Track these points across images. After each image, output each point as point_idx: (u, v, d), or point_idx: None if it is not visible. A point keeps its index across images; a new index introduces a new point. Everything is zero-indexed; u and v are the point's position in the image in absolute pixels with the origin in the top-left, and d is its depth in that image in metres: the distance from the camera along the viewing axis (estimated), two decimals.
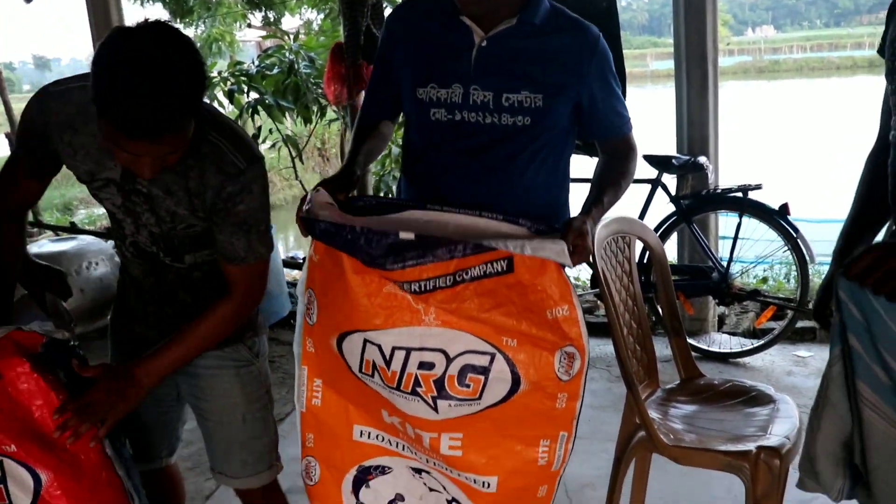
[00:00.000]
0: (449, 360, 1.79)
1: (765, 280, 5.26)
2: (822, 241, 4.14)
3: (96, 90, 1.45)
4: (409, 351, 1.80)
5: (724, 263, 4.05)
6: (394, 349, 1.81)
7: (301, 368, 2.01)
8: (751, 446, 2.04)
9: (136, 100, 1.42)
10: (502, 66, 1.96)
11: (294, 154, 5.69)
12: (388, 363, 1.82)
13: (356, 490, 2.08)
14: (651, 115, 7.30)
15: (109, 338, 2.08)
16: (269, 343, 4.68)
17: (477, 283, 1.76)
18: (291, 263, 5.88)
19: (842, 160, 6.76)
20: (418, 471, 2.01)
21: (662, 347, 2.68)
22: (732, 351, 4.11)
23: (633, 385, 2.12)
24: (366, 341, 1.84)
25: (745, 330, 4.45)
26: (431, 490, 2.01)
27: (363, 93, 4.72)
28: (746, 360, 4.04)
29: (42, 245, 5.10)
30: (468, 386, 1.80)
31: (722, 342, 4.24)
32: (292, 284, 5.44)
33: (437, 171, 2.09)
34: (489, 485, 1.89)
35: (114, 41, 1.47)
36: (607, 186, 2.01)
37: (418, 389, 1.81)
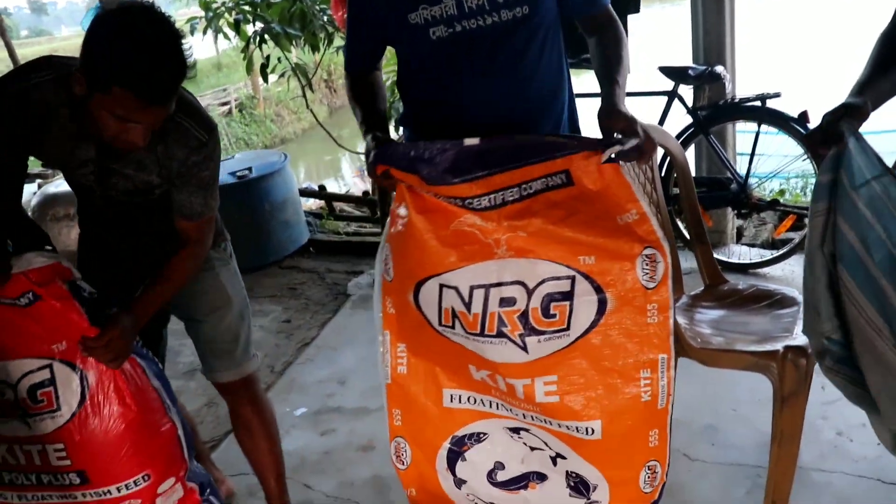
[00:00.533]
0: (529, 291, 1.74)
1: (782, 193, 5.22)
2: None
3: (110, 65, 1.58)
4: (487, 288, 1.76)
5: (743, 175, 4.01)
6: (471, 289, 1.77)
7: (384, 333, 1.98)
8: (778, 346, 2.05)
9: (160, 69, 1.62)
10: None
11: (304, 83, 5.62)
12: (468, 306, 1.78)
13: (451, 466, 2.04)
14: (660, 35, 7.16)
15: None
16: (290, 271, 4.78)
17: (543, 195, 1.71)
18: (307, 192, 5.88)
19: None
20: (516, 430, 1.96)
21: (683, 261, 2.68)
22: (752, 262, 4.09)
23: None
24: (442, 286, 1.80)
25: (764, 241, 4.43)
26: (533, 449, 1.97)
27: None
28: (766, 270, 4.03)
29: (58, 185, 5.10)
30: (554, 316, 1.74)
31: (741, 253, 4.23)
32: (309, 213, 5.46)
33: (450, 88, 2.01)
34: (593, 431, 1.82)
35: (114, 22, 1.62)
36: (615, 65, 1.93)
37: (504, 330, 1.76)
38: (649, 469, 1.91)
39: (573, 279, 1.72)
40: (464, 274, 1.77)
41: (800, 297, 2.34)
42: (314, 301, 4.19)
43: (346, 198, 6.20)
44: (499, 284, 1.75)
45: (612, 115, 1.74)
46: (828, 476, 2.40)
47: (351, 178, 10.80)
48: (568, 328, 1.75)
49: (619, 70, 1.92)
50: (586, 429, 1.82)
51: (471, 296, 1.77)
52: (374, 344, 3.51)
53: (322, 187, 6.14)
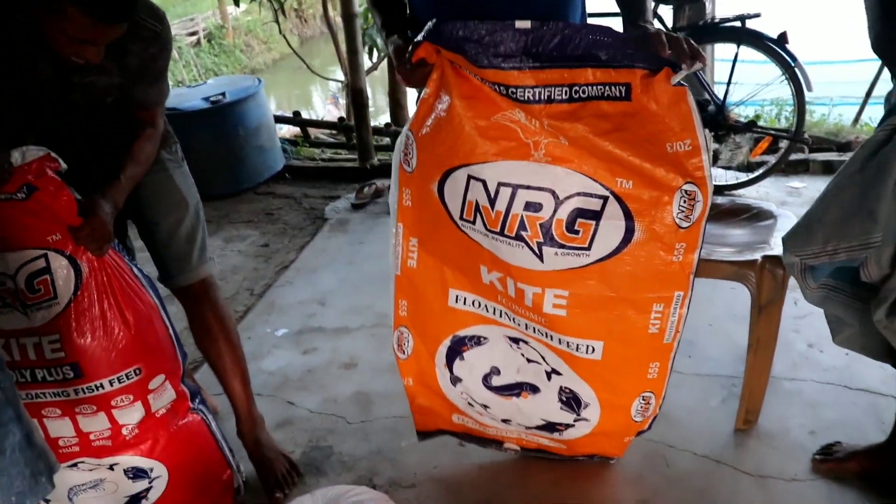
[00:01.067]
0: (558, 201, 1.68)
1: (758, 118, 5.23)
2: (820, 83, 4.11)
3: None
4: (515, 188, 1.70)
5: (721, 97, 4.01)
6: (499, 185, 1.72)
7: (397, 226, 1.95)
8: (756, 256, 2.08)
9: None
10: None
11: (277, 6, 5.50)
12: (492, 202, 1.73)
13: (450, 363, 2.06)
14: None
15: None
16: (267, 197, 4.75)
17: (595, 103, 1.64)
18: (282, 119, 5.80)
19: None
20: (515, 340, 1.96)
21: None
22: (728, 184, 4.13)
23: None
24: (470, 177, 1.75)
25: (740, 164, 4.46)
26: (529, 361, 1.97)
27: None
28: (741, 192, 4.08)
29: None
30: (577, 232, 1.69)
31: (717, 176, 4.26)
32: (284, 140, 5.40)
33: None
34: (593, 350, 1.82)
35: None
36: None
37: (523, 234, 1.72)
38: (643, 399, 1.95)
39: (606, 199, 1.66)
40: (495, 168, 1.71)
41: (777, 211, 2.38)
42: (291, 225, 4.18)
43: (322, 123, 6.13)
44: (528, 187, 1.70)
45: (659, 38, 1.62)
46: (799, 384, 2.47)
47: (323, 109, 10.67)
48: (589, 248, 1.71)
49: None
50: (587, 347, 1.83)
51: (497, 192, 1.73)
52: (353, 266, 3.57)
53: (297, 113, 6.05)
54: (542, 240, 1.72)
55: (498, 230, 1.76)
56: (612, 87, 1.62)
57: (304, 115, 6.75)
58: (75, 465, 1.97)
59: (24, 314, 1.79)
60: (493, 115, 1.70)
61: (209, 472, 2.11)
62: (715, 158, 4.56)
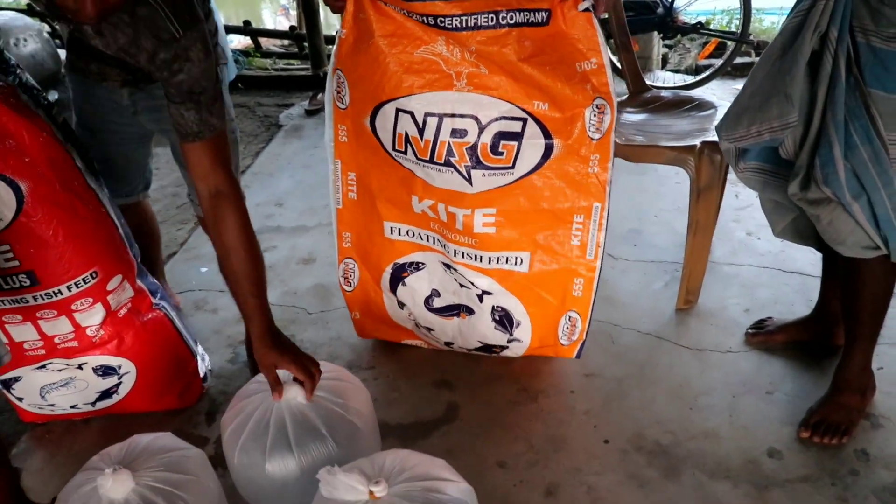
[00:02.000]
0: (481, 126, 1.79)
1: (708, 23, 5.30)
2: None
3: None
4: (441, 117, 1.80)
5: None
6: (426, 116, 1.81)
7: (335, 162, 2.02)
8: (696, 142, 2.19)
9: None
10: None
11: None
12: (420, 131, 1.83)
13: (394, 289, 2.15)
14: None
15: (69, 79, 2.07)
16: None
17: (519, 30, 1.72)
18: (233, 29, 5.71)
19: None
20: (448, 266, 2.06)
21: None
22: (676, 85, 4.22)
23: None
24: (398, 111, 1.84)
25: (688, 67, 4.57)
26: (462, 286, 2.07)
27: None
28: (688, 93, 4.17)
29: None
30: (501, 154, 1.81)
31: (665, 78, 4.35)
32: (236, 52, 5.35)
33: None
34: (521, 261, 1.93)
35: None
36: None
37: (452, 160, 1.83)
38: (569, 320, 2.06)
39: (525, 122, 1.78)
40: (420, 99, 1.81)
41: (718, 102, 2.48)
42: (247, 133, 4.19)
43: (273, 33, 6.06)
44: (452, 115, 1.80)
45: None
46: (737, 269, 2.61)
47: (273, 22, 10.44)
48: (513, 167, 1.83)
49: None
50: (516, 258, 1.95)
51: (424, 122, 1.83)
52: (309, 169, 3.63)
53: (247, 23, 5.95)
54: (469, 163, 1.83)
55: (428, 158, 1.87)
56: (535, 13, 1.72)
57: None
58: (44, 366, 2.02)
59: None
60: (416, 50, 1.79)
61: (175, 363, 2.17)
62: (664, 62, 4.65)
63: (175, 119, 1.66)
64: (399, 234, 2.08)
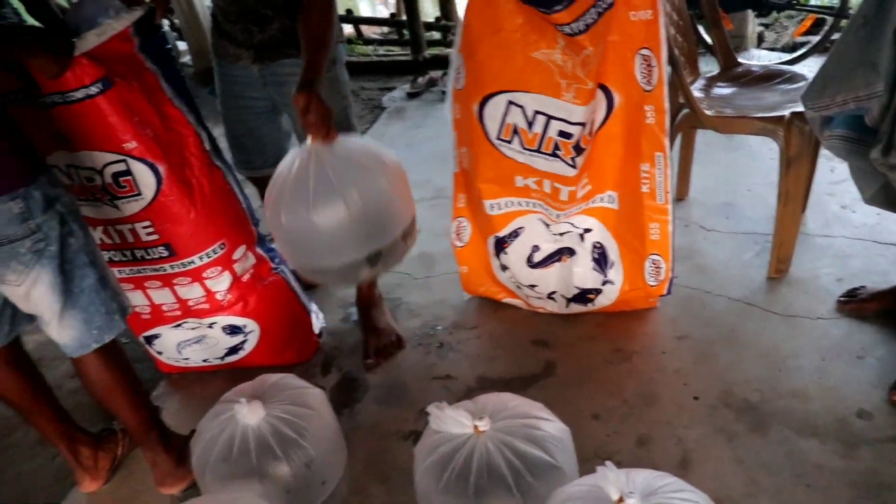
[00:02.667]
0: (584, 128, 1.99)
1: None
2: None
3: None
4: (549, 118, 2.00)
5: None
6: (535, 113, 2.01)
7: (453, 133, 2.25)
8: (785, 112, 2.26)
9: None
10: None
11: None
12: (530, 126, 2.03)
13: (497, 254, 2.34)
14: None
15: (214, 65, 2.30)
16: None
17: (607, 13, 1.88)
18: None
19: None
20: (547, 224, 2.24)
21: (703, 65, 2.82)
22: (771, 63, 4.21)
23: (678, 65, 2.30)
24: (510, 103, 2.04)
25: (784, 45, 4.53)
26: (563, 234, 2.25)
27: None
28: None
29: None
30: (590, 133, 2.01)
31: (761, 56, 4.35)
32: None
33: None
34: (613, 199, 2.12)
35: None
36: None
37: (558, 153, 2.03)
38: (653, 262, 2.21)
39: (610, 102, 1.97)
40: (533, 98, 2.00)
41: (808, 75, 2.53)
42: None
43: (374, 20, 6.28)
44: (560, 119, 2.00)
45: None
46: (830, 240, 2.65)
47: (370, 11, 10.67)
48: (592, 125, 2.02)
49: None
50: (608, 196, 2.13)
51: (534, 118, 2.03)
52: (411, 148, 3.81)
53: (349, 11, 6.20)
54: (574, 154, 2.04)
55: (535, 148, 2.06)
56: None
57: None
58: (179, 325, 2.27)
59: (113, 206, 1.97)
60: (535, 51, 1.96)
61: (293, 322, 2.39)
62: (760, 40, 4.63)
63: None
64: (499, 208, 2.25)
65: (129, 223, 2.01)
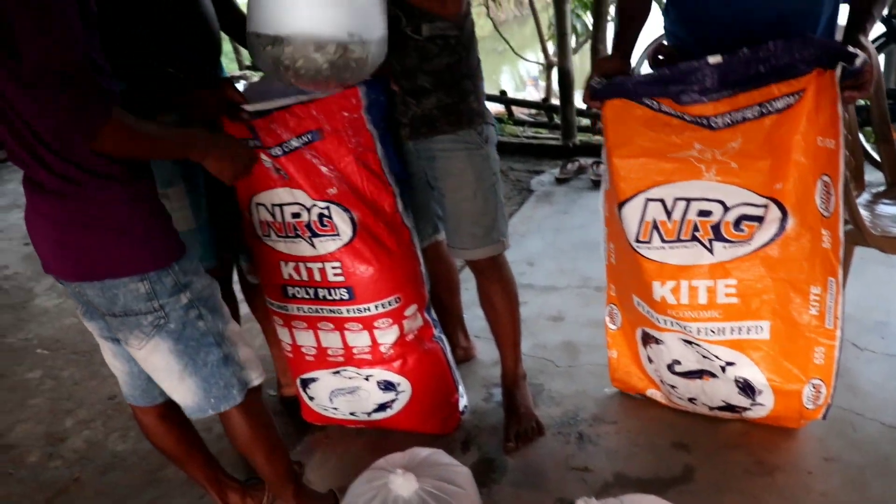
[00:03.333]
0: (726, 209, 2.00)
1: None
2: None
3: None
4: (689, 201, 2.03)
5: None
6: (675, 200, 2.05)
7: (604, 228, 2.34)
8: None
9: None
10: None
11: None
12: (668, 214, 2.06)
13: (645, 343, 2.38)
14: None
15: None
16: None
17: (773, 116, 1.89)
18: (489, 97, 6.16)
19: None
20: (688, 342, 2.23)
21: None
22: None
23: (845, 180, 2.27)
24: (647, 200, 2.09)
25: None
26: (704, 357, 2.23)
27: None
28: None
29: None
30: (743, 230, 2.00)
31: None
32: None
33: (706, 8, 2.11)
34: (762, 329, 2.08)
35: None
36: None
37: (696, 234, 2.04)
38: (813, 387, 2.14)
39: (767, 206, 1.96)
40: (671, 188, 2.04)
41: None
42: None
43: (526, 103, 6.47)
44: (701, 199, 2.02)
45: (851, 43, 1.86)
46: None
47: (512, 89, 10.96)
48: (751, 240, 2.00)
49: (878, 6, 2.02)
50: (757, 327, 2.09)
51: (673, 206, 2.05)
52: (559, 233, 3.91)
53: (503, 93, 6.42)
54: (712, 237, 2.03)
55: (674, 238, 2.07)
56: (791, 96, 1.86)
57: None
58: (339, 372, 2.41)
59: (311, 244, 2.20)
60: (672, 153, 2.01)
61: (442, 392, 2.47)
62: None
63: None
64: (642, 308, 2.28)
65: (321, 262, 2.21)
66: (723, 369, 2.20)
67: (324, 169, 2.11)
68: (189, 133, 1.85)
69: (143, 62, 2.06)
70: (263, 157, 2.12)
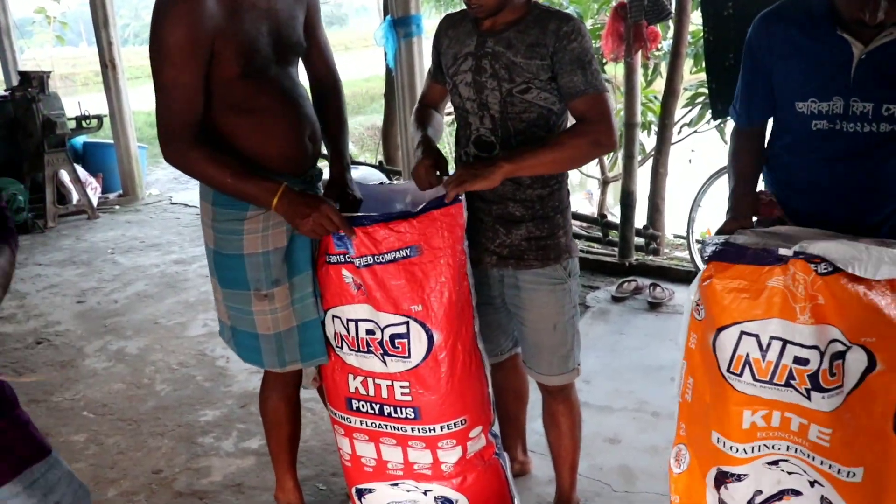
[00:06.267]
0: (822, 354, 1.96)
1: None
2: None
3: None
4: (785, 343, 1.99)
5: None
6: (770, 339, 2.01)
7: (682, 362, 2.27)
8: None
9: None
10: (883, 77, 2.01)
11: None
12: (763, 354, 2.03)
13: (717, 486, 2.27)
14: None
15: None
16: None
17: None
18: None
19: None
20: (775, 462, 2.15)
21: None
22: None
23: None
24: (742, 333, 2.06)
25: None
26: (790, 473, 2.15)
27: (640, 52, 4.97)
28: None
29: None
30: (835, 375, 1.96)
31: None
32: None
33: (803, 175, 2.22)
34: (854, 475, 2.01)
35: None
36: None
37: (792, 382, 2.00)
38: None
39: (851, 348, 1.93)
40: (767, 324, 2.01)
41: None
42: None
43: (582, 217, 6.52)
44: (795, 344, 1.98)
45: None
46: None
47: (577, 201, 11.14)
48: (842, 385, 1.96)
49: None
50: (848, 472, 2.01)
51: (769, 345, 2.01)
52: (615, 353, 3.87)
53: None
54: (809, 386, 1.97)
55: (767, 379, 2.02)
56: None
57: None
58: (397, 485, 2.36)
59: (382, 362, 2.18)
60: (768, 281, 2.00)
61: None
62: None
63: (565, 86, 2.11)
64: (724, 445, 2.18)
65: (391, 380, 2.18)
66: (811, 484, 2.11)
67: (413, 285, 2.11)
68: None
69: None
70: (344, 271, 2.15)
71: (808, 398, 1.99)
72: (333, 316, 2.24)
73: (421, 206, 2.10)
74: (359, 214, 2.13)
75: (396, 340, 2.14)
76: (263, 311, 2.24)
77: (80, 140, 8.07)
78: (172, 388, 3.76)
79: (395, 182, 4.91)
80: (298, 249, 2.24)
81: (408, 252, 2.08)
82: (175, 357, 4.15)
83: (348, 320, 2.18)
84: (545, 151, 2.08)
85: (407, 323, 2.11)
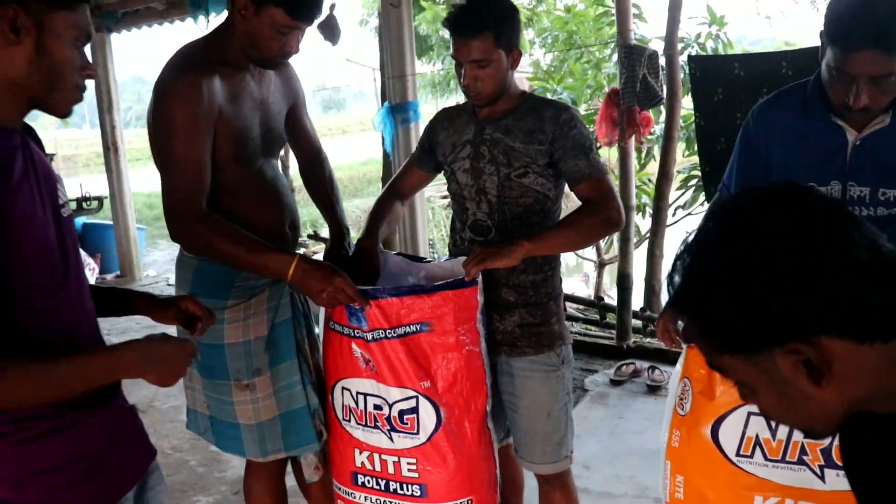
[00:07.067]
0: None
1: None
2: None
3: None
4: None
5: None
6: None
7: (665, 462, 2.25)
8: None
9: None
10: (877, 163, 2.04)
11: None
12: (773, 432, 2.02)
13: None
14: None
15: None
16: None
17: None
18: None
19: None
20: None
21: None
22: None
23: None
24: (750, 414, 2.04)
25: None
26: None
27: (633, 136, 5.07)
28: None
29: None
30: None
31: None
32: None
33: None
34: None
35: None
36: None
37: (805, 458, 1.98)
38: None
39: None
40: None
41: None
42: None
43: (579, 299, 6.53)
44: None
45: None
46: None
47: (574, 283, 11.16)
48: None
49: None
50: None
51: (778, 424, 1.97)
52: (614, 437, 3.83)
53: None
54: (823, 463, 1.94)
55: (779, 458, 2.00)
56: None
57: None
58: None
59: (389, 438, 2.16)
60: None
61: None
62: None
63: (569, 171, 2.17)
64: None
65: (397, 456, 2.16)
66: None
67: (422, 361, 2.10)
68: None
69: None
70: (354, 346, 2.14)
71: (822, 478, 1.96)
72: (343, 388, 2.22)
73: (437, 283, 2.10)
74: (371, 287, 2.13)
75: (405, 416, 2.13)
76: (245, 400, 2.22)
77: (79, 221, 8.12)
78: (166, 474, 3.61)
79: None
80: (281, 338, 2.24)
81: (418, 328, 2.09)
82: (168, 441, 4.08)
83: (358, 393, 2.17)
84: (562, 231, 2.14)
85: (416, 398, 2.11)
